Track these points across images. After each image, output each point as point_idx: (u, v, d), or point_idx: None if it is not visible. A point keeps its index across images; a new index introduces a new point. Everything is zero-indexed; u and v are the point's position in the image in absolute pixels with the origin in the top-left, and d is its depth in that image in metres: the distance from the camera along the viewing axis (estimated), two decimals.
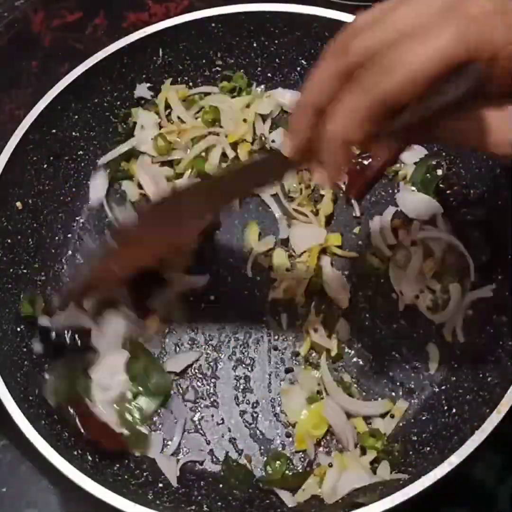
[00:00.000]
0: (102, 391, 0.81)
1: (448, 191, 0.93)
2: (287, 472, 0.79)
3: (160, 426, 0.82)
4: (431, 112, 0.51)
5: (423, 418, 0.81)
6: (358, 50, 0.50)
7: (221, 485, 0.78)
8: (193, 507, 0.74)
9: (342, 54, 0.51)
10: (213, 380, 0.84)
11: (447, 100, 0.50)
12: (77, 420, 0.77)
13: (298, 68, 0.99)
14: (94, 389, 0.81)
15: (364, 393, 0.83)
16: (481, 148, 0.58)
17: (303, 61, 0.99)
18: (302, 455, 0.80)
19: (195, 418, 0.82)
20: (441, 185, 0.93)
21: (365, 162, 0.92)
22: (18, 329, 0.83)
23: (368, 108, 0.49)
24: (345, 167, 0.55)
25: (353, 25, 0.52)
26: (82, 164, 0.97)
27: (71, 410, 0.78)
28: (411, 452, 0.77)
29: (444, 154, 0.94)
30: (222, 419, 0.82)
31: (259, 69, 1.00)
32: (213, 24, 0.95)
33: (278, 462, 0.79)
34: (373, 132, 0.51)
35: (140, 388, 0.82)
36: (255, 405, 0.83)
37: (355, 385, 0.83)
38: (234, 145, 0.96)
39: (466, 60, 0.47)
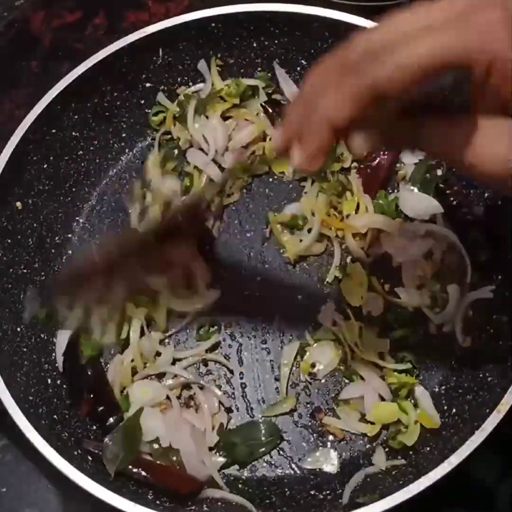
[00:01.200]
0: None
1: (448, 191, 0.93)
2: None
3: None
4: (415, 104, 0.52)
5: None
6: (359, 47, 0.51)
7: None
8: (193, 507, 0.74)
9: (343, 52, 0.52)
10: None
11: (428, 96, 0.51)
12: (143, 474, 0.75)
13: (298, 68, 0.99)
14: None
15: None
16: (467, 162, 0.51)
17: (303, 61, 0.99)
18: None
19: None
20: (441, 185, 0.93)
21: (374, 164, 0.94)
22: (18, 329, 0.83)
23: (357, 90, 0.50)
24: (321, 151, 0.55)
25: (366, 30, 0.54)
26: (82, 164, 0.97)
27: (135, 469, 0.76)
28: (411, 452, 0.78)
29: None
30: None
31: (259, 69, 1.00)
32: (213, 24, 0.95)
33: None
34: (358, 118, 0.52)
35: None
36: None
37: None
38: None
39: (463, 62, 0.47)
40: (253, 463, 0.80)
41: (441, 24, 0.48)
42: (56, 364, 0.85)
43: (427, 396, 0.81)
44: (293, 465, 0.80)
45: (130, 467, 0.76)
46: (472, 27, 0.47)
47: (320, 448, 0.81)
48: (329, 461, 0.79)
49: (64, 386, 0.84)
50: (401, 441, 0.78)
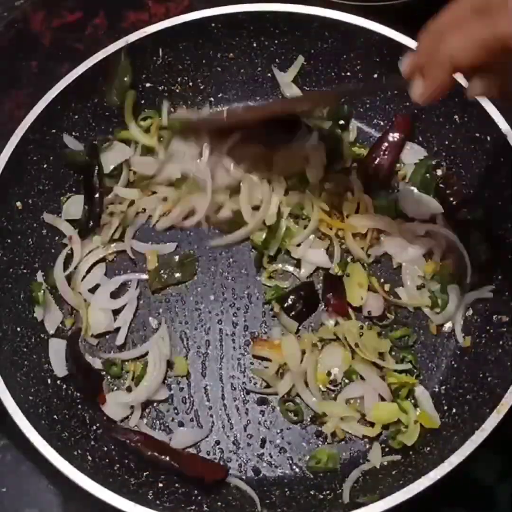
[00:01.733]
0: None
1: (448, 191, 0.93)
2: None
3: None
4: None
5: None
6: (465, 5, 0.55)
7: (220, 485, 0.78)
8: (193, 507, 0.74)
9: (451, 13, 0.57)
10: None
11: None
12: (171, 463, 0.77)
13: (298, 68, 0.99)
14: None
15: None
16: None
17: (303, 61, 0.99)
18: None
19: None
20: (441, 185, 0.93)
21: (374, 164, 0.94)
22: (18, 329, 0.83)
23: (485, 38, 0.54)
24: (443, 86, 0.60)
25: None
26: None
27: (165, 458, 0.78)
28: (411, 452, 0.78)
29: (444, 154, 0.94)
30: None
31: (259, 69, 1.00)
32: (213, 24, 0.95)
33: None
34: (479, 64, 0.55)
35: None
36: None
37: None
38: None
39: None
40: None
41: None
42: None
43: (427, 396, 0.81)
44: (293, 465, 0.80)
45: (157, 454, 0.78)
46: None
47: (320, 448, 0.81)
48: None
49: (64, 386, 0.84)
50: (401, 441, 0.78)
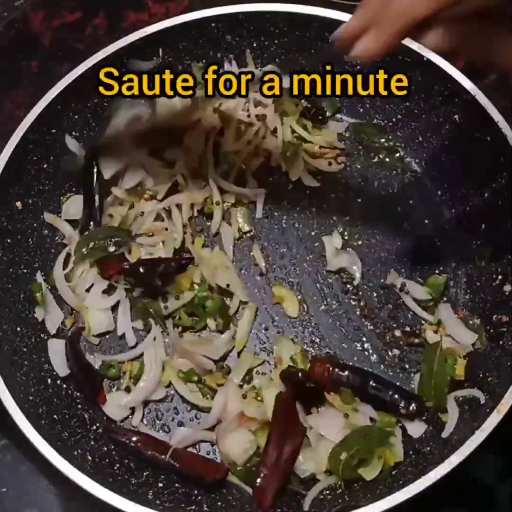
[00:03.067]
0: None
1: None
2: None
3: None
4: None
5: (423, 418, 0.81)
6: None
7: (221, 485, 0.78)
8: (193, 507, 0.74)
9: None
10: None
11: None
12: (171, 462, 0.77)
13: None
14: None
15: None
16: None
17: (303, 61, 0.99)
18: None
19: None
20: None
21: None
22: (18, 329, 0.83)
23: None
24: (396, 39, 0.58)
25: None
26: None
27: (165, 457, 0.77)
28: (411, 452, 0.78)
29: (444, 154, 0.94)
30: None
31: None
32: (213, 24, 0.95)
33: None
34: (434, 13, 0.54)
35: None
36: None
37: None
38: None
39: None
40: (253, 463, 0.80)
41: None
42: None
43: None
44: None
45: (157, 454, 0.78)
46: None
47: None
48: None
49: (64, 386, 0.84)
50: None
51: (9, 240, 0.86)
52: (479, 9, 0.55)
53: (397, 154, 0.99)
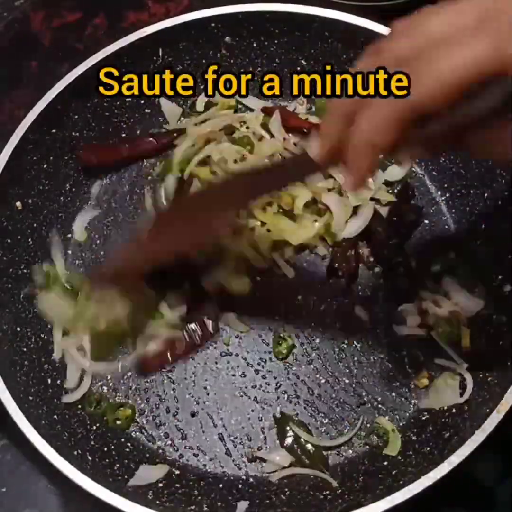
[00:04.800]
0: None
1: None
2: None
3: None
4: (461, 122, 0.50)
5: (423, 418, 0.81)
6: (390, 54, 0.50)
7: (221, 485, 0.78)
8: (193, 507, 0.74)
9: (375, 59, 0.51)
10: None
11: (478, 111, 0.49)
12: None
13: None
14: None
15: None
16: None
17: (303, 61, 0.99)
18: None
19: None
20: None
21: None
22: (18, 329, 0.83)
23: (397, 114, 0.49)
24: (369, 172, 0.55)
25: (391, 32, 0.53)
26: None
27: None
28: (411, 452, 0.78)
29: (444, 154, 0.94)
30: None
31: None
32: (213, 24, 0.95)
33: None
34: (400, 139, 0.50)
35: None
36: None
37: None
38: None
39: (499, 72, 0.45)
40: (254, 463, 0.80)
41: (470, 31, 0.46)
42: (57, 364, 0.85)
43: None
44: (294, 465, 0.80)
45: None
46: (505, 32, 0.45)
47: None
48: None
49: (65, 386, 0.84)
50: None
51: (9, 240, 0.86)
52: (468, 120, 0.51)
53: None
